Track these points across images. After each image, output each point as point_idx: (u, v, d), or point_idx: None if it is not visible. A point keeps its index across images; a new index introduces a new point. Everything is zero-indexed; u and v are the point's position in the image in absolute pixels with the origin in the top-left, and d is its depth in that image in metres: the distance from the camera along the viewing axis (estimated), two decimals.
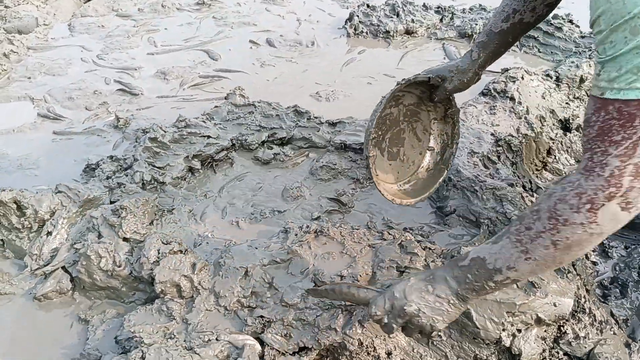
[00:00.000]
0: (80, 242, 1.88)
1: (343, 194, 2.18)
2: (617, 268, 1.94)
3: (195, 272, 1.66)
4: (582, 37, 3.52)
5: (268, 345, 1.49)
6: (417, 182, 1.93)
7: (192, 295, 1.64)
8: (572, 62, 2.97)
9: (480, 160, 2.23)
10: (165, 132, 2.38)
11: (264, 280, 1.62)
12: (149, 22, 4.28)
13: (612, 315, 1.72)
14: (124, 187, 2.14)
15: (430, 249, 1.72)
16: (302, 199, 2.16)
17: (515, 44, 3.59)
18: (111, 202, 2.09)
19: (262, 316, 1.55)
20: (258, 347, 1.49)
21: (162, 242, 1.77)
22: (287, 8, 4.52)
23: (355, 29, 3.94)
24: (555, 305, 1.50)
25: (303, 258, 1.69)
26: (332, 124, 2.57)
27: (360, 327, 1.48)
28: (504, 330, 1.47)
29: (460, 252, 1.61)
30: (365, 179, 2.28)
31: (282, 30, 4.08)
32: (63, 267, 1.87)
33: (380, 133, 1.80)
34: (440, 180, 1.90)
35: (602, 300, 1.81)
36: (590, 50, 3.20)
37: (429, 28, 3.94)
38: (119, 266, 1.76)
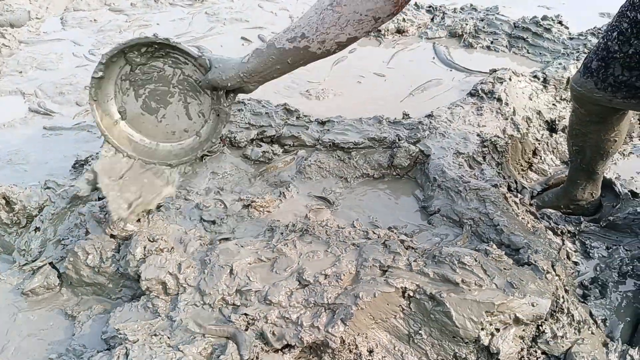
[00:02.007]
0: (68, 239, 1.90)
1: (330, 193, 2.21)
2: (598, 268, 1.97)
3: (181, 270, 1.68)
4: (571, 38, 3.55)
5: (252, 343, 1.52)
6: (163, 150, 1.84)
7: (177, 292, 1.66)
8: (560, 63, 3.00)
9: (465, 160, 2.26)
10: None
11: (248, 278, 1.64)
12: (141, 17, 4.29)
13: (590, 315, 1.75)
14: None
15: (413, 248, 1.75)
16: (289, 197, 2.18)
17: (504, 45, 3.63)
18: (99, 199, 2.10)
19: (246, 314, 1.57)
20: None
21: (149, 240, 1.79)
22: (279, 5, 4.54)
23: None
24: (533, 305, 1.53)
25: (288, 257, 1.72)
26: (321, 123, 2.58)
27: (343, 326, 1.51)
28: (482, 329, 1.50)
29: (441, 252, 1.64)
30: (353, 178, 2.31)
31: (274, 27, 4.10)
32: (51, 263, 1.89)
33: (140, 74, 1.75)
34: (172, 163, 1.81)
35: (582, 300, 1.84)
36: (578, 52, 3.23)
37: (420, 27, 3.96)
38: (106, 263, 1.78)
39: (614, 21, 1.68)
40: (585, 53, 3.10)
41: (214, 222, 2.02)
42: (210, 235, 1.96)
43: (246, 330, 1.55)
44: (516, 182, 2.35)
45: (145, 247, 1.76)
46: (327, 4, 1.39)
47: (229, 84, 1.60)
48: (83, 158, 2.37)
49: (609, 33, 1.68)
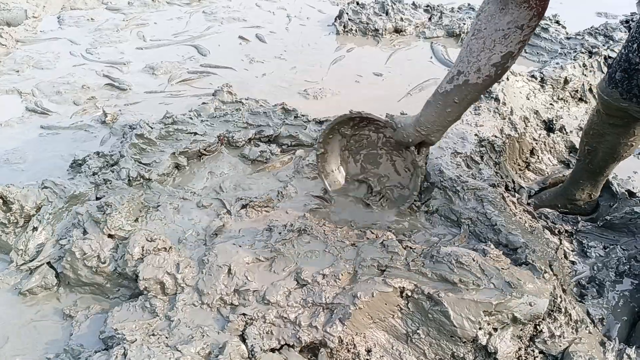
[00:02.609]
0: (66, 238, 1.90)
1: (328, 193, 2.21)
2: (595, 268, 1.97)
3: (179, 270, 1.68)
4: (568, 38, 3.56)
5: (250, 343, 1.52)
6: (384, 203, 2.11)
7: (175, 292, 1.66)
8: (557, 63, 3.01)
9: (463, 160, 2.26)
10: (152, 128, 2.39)
11: (246, 278, 1.64)
12: (138, 16, 4.28)
13: (588, 314, 1.76)
14: (110, 183, 2.15)
15: (411, 248, 1.75)
16: (287, 196, 2.18)
17: None
18: (97, 199, 2.10)
19: (244, 314, 1.57)
20: (240, 344, 1.51)
21: (147, 239, 1.79)
22: (277, 4, 4.53)
23: (344, 27, 3.95)
24: (530, 305, 1.53)
25: (286, 256, 1.72)
26: (319, 122, 2.58)
27: (341, 325, 1.51)
28: (480, 329, 1.50)
29: (439, 252, 1.64)
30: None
31: (271, 27, 4.10)
32: (48, 263, 1.88)
33: (354, 143, 2.12)
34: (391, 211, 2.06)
35: (579, 299, 1.84)
36: (575, 51, 3.24)
37: (418, 27, 3.96)
38: (104, 263, 1.78)
39: (634, 31, 1.66)
40: (582, 53, 3.11)
41: (212, 222, 2.02)
42: (209, 235, 1.96)
43: (244, 329, 1.55)
44: (514, 182, 2.35)
45: (143, 247, 1.76)
46: (470, 36, 1.44)
47: (410, 140, 1.76)
48: (80, 157, 2.36)
49: (630, 44, 1.66)
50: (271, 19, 4.24)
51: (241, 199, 2.13)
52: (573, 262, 1.99)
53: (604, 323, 1.76)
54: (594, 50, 3.13)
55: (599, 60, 3.08)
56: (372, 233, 1.86)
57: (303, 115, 2.63)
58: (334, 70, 3.41)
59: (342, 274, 1.64)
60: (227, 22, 4.18)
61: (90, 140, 2.68)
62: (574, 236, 2.10)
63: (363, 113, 1.92)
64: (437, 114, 1.63)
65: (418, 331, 1.56)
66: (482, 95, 2.68)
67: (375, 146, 2.07)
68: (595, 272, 1.96)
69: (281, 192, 2.18)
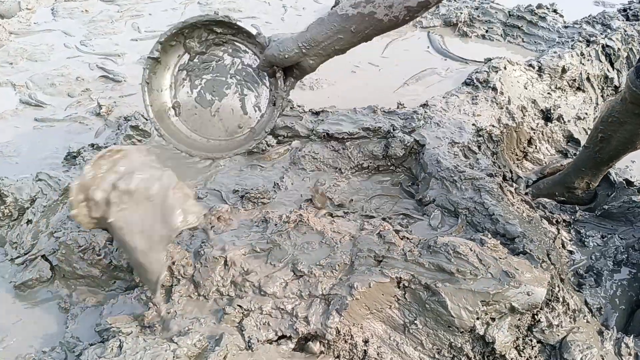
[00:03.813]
0: (60, 231, 1.88)
1: (324, 184, 2.20)
2: (593, 257, 1.97)
3: (175, 262, 1.66)
4: (566, 27, 3.53)
5: (247, 334, 1.51)
6: (213, 145, 1.75)
7: (171, 284, 1.65)
8: (555, 52, 2.99)
9: (460, 150, 2.24)
10: (147, 120, 2.38)
11: (243, 269, 1.63)
12: (133, 7, 4.25)
13: (586, 303, 1.76)
14: None
15: (408, 238, 1.74)
16: (283, 188, 2.17)
17: (499, 34, 3.61)
18: None
19: (240, 305, 1.56)
20: (237, 335, 1.51)
21: None
22: None
23: None
24: (528, 294, 1.52)
25: (282, 248, 1.71)
26: (315, 113, 2.56)
27: (338, 316, 1.51)
28: (478, 319, 1.50)
29: (436, 242, 1.63)
30: (347, 169, 2.29)
31: (267, 17, 4.07)
32: (43, 256, 1.87)
33: (198, 63, 1.72)
34: (217, 156, 1.75)
35: (577, 288, 1.84)
36: (572, 40, 3.22)
37: None
38: (99, 255, 1.77)
39: None
40: (580, 41, 3.09)
41: (208, 213, 2.01)
42: (205, 226, 1.94)
43: (241, 321, 1.55)
44: (511, 172, 2.34)
45: None
46: None
47: (287, 56, 1.49)
48: (75, 150, 2.35)
49: None
50: (267, 10, 4.21)
51: (237, 190, 2.12)
52: (571, 252, 1.98)
53: (602, 312, 1.76)
54: (591, 39, 3.11)
55: (597, 49, 3.06)
56: (369, 224, 1.85)
57: (299, 106, 2.61)
58: (330, 61, 3.34)
59: (338, 265, 1.63)
60: (222, 13, 4.14)
61: (84, 133, 2.66)
62: (572, 225, 2.09)
63: (231, 19, 1.61)
64: (327, 35, 1.43)
65: (415, 321, 1.55)
66: (478, 84, 2.67)
67: (226, 72, 1.71)
68: (593, 261, 1.95)
69: (277, 184, 2.17)
